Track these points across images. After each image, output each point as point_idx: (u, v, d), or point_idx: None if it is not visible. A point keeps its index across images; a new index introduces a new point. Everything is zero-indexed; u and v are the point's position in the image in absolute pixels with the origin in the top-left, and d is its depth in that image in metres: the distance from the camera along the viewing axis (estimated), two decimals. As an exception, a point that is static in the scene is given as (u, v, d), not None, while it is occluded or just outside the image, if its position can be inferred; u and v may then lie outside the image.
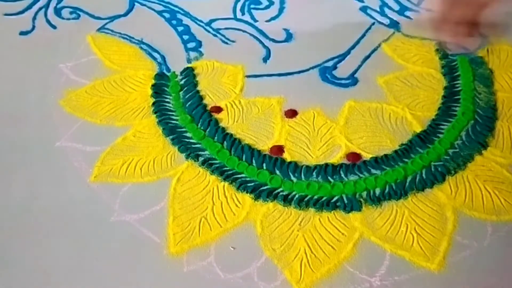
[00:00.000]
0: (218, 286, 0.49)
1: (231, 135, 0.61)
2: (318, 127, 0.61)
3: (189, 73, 0.68)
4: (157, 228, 0.53)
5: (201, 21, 0.76)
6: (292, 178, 0.57)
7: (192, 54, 0.71)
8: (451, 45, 0.64)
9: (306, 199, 0.55)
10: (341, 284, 0.49)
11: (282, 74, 0.68)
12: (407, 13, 0.76)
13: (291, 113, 0.63)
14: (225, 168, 0.57)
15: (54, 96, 0.65)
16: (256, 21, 0.76)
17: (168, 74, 0.68)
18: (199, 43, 0.72)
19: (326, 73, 0.68)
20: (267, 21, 0.76)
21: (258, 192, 0.55)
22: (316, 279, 0.49)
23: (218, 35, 0.74)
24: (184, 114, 0.63)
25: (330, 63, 0.69)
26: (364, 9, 0.77)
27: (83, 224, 0.53)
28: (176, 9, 0.78)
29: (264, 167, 0.58)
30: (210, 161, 0.58)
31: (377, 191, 0.55)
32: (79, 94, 0.65)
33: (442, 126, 0.61)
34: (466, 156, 0.58)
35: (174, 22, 0.76)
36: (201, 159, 0.58)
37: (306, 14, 0.77)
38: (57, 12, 0.77)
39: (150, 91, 0.66)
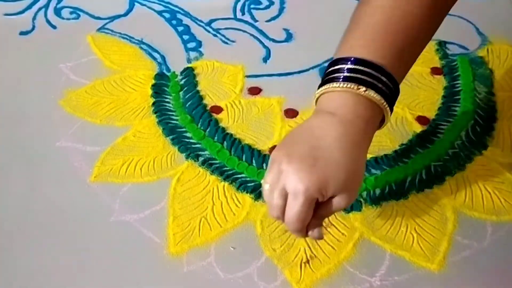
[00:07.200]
0: (218, 286, 0.49)
1: (231, 135, 0.61)
2: (318, 127, 0.61)
3: (189, 73, 0.68)
4: (157, 228, 0.52)
5: (201, 21, 0.76)
6: (292, 178, 0.57)
7: (192, 54, 0.71)
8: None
9: (306, 199, 0.55)
10: (341, 284, 0.48)
11: (282, 74, 0.68)
12: (407, 13, 0.76)
13: (291, 113, 0.63)
14: (225, 168, 0.57)
15: (54, 96, 0.65)
16: (256, 21, 0.76)
17: (168, 74, 0.68)
18: (199, 43, 0.72)
19: (326, 73, 0.68)
20: (267, 21, 0.76)
21: (258, 192, 0.55)
22: (316, 279, 0.49)
23: (218, 35, 0.74)
24: (184, 114, 0.63)
25: (330, 63, 0.69)
26: (364, 9, 0.77)
27: (83, 224, 0.53)
28: (176, 9, 0.78)
29: (264, 167, 0.57)
30: (210, 161, 0.58)
31: (377, 191, 0.55)
32: (79, 94, 0.65)
33: (442, 126, 0.61)
34: (466, 156, 0.58)
35: (174, 22, 0.76)
36: (201, 159, 0.58)
37: (306, 14, 0.77)
38: (57, 12, 0.77)
39: (150, 91, 0.66)
